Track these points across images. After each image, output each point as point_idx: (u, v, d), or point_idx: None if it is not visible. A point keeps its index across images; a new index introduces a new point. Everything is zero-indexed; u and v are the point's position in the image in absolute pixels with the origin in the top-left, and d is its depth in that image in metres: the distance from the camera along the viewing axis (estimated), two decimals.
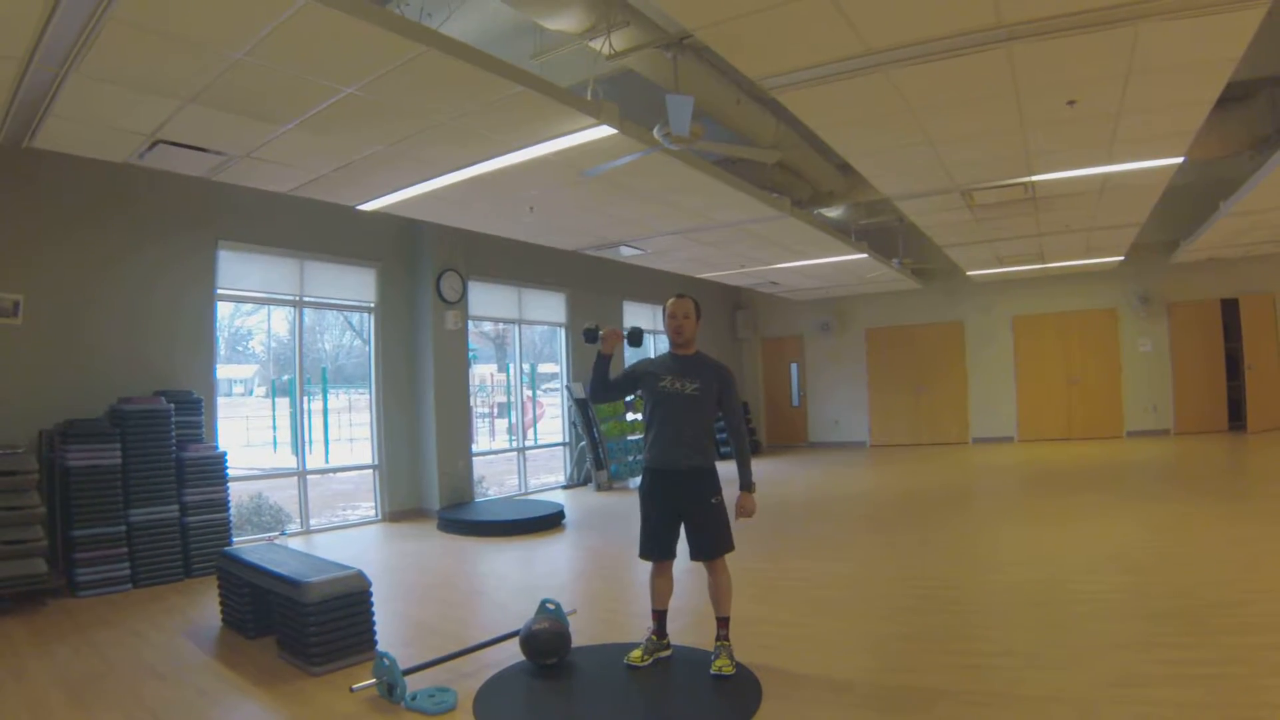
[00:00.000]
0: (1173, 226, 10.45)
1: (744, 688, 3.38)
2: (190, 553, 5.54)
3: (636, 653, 3.68)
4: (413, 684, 3.38)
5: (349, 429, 13.00)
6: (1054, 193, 7.26)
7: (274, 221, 7.01)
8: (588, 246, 9.22)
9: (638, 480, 10.49)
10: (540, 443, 11.40)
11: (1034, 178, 6.76)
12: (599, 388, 3.68)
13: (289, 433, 11.16)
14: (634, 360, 4.01)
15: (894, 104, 4.93)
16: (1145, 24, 4.05)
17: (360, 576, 4.01)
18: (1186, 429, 11.88)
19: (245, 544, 6.09)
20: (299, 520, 7.26)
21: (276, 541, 5.96)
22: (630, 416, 11.14)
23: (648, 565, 3.74)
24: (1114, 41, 4.23)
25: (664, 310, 3.78)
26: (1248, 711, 2.84)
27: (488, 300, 9.57)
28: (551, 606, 4.13)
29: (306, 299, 7.39)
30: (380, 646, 3.83)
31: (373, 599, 4.03)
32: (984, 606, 4.53)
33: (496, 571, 6.09)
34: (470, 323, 9.15)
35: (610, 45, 4.96)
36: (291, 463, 10.28)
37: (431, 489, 8.29)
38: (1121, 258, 11.02)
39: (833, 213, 9.82)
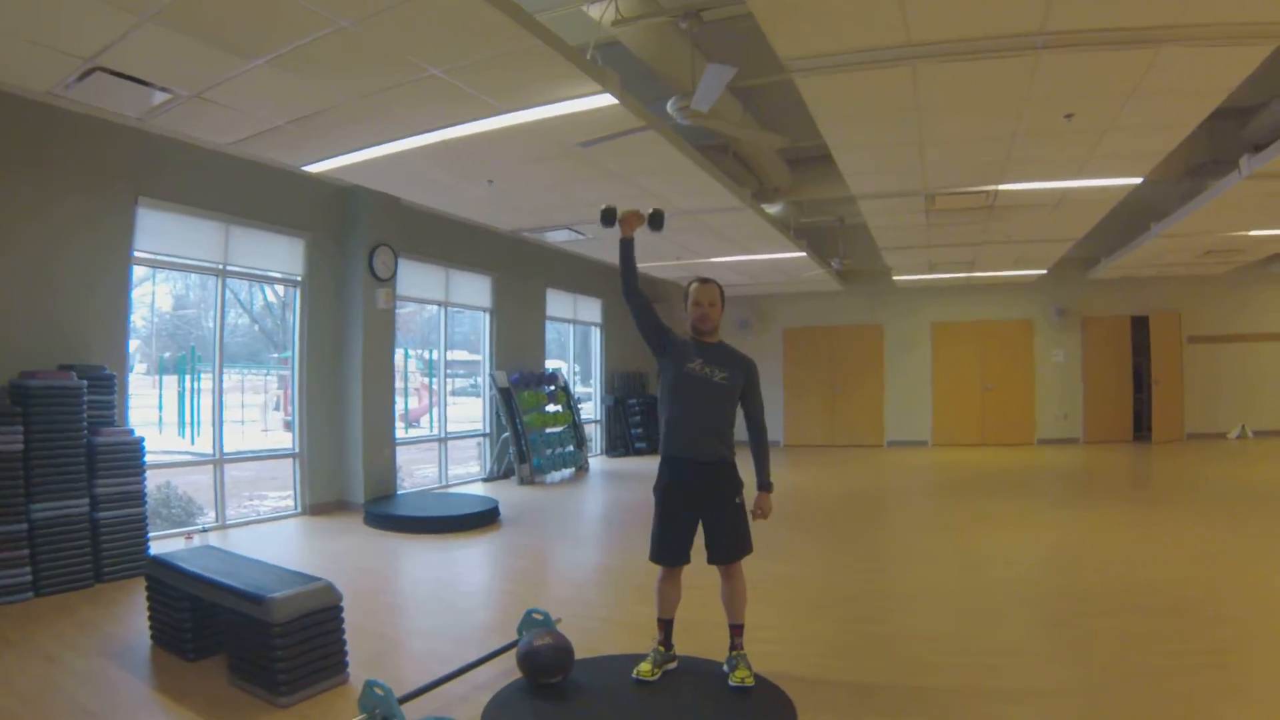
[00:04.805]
0: (1091, 244, 10.92)
1: (772, 699, 3.16)
2: (101, 554, 4.75)
3: (646, 665, 3.36)
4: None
5: (240, 410, 12.07)
6: (1013, 203, 7.37)
7: (200, 180, 6.20)
8: (531, 227, 8.77)
9: (560, 474, 10.30)
10: (459, 432, 10.79)
11: (1001, 186, 6.81)
12: (631, 280, 3.41)
13: (175, 414, 10.15)
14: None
15: (906, 100, 4.82)
16: (1168, 47, 4.12)
17: (330, 589, 3.48)
18: (1094, 438, 12.51)
19: (160, 540, 5.38)
20: (214, 513, 6.47)
21: (196, 540, 5.26)
22: (551, 408, 10.73)
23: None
24: (1133, 60, 4.28)
25: (685, 295, 3.48)
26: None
27: (415, 279, 8.92)
28: (539, 616, 3.81)
29: (231, 268, 6.58)
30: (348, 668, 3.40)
31: (343, 615, 3.52)
32: (933, 608, 4.54)
33: (444, 574, 5.62)
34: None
35: (617, 9, 4.59)
36: (183, 445, 9.33)
37: (356, 480, 7.65)
38: (1044, 271, 11.48)
39: (772, 209, 9.72)
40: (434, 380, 11.27)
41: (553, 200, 7.16)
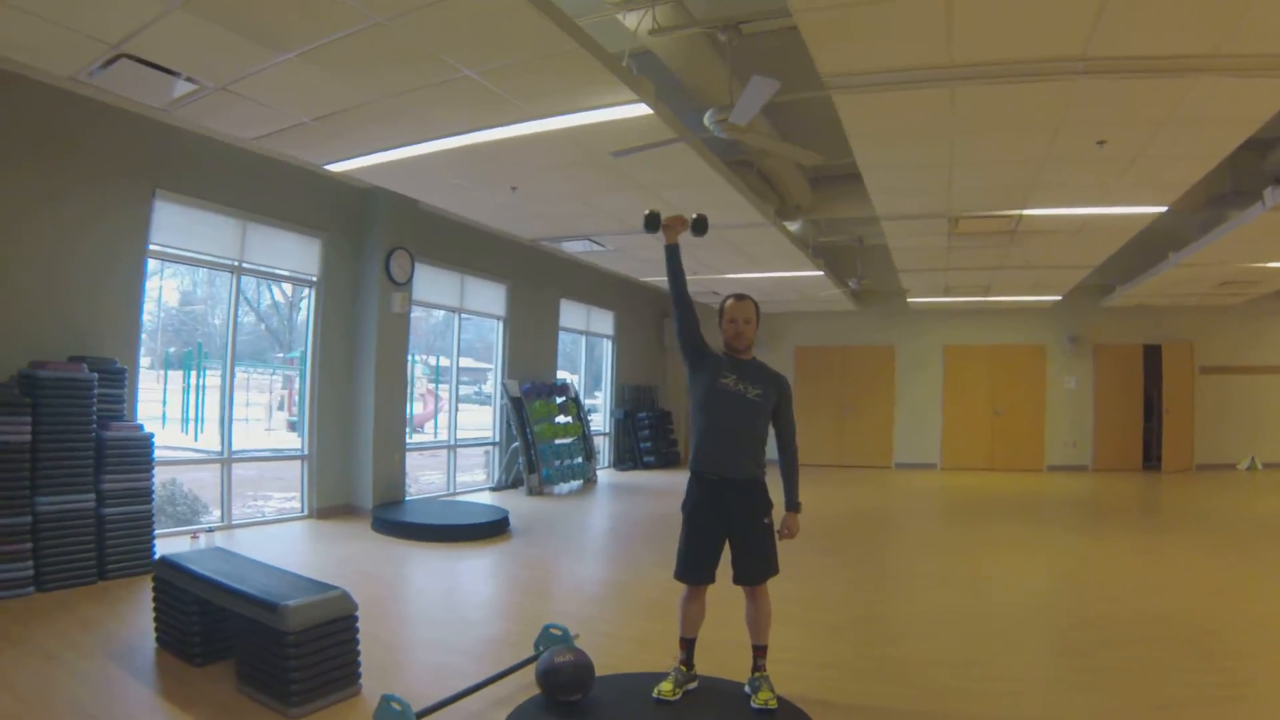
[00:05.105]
0: (1105, 271, 10.86)
1: None
2: (105, 551, 4.66)
3: (667, 685, 3.27)
4: None
5: (244, 409, 12.02)
6: (1036, 228, 7.32)
7: (218, 174, 6.15)
8: (550, 236, 8.70)
9: (568, 486, 10.19)
10: (467, 440, 10.70)
11: (1025, 211, 6.76)
12: (678, 281, 3.35)
13: (179, 410, 10.06)
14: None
15: (942, 121, 4.78)
16: (1206, 76, 4.08)
17: (346, 598, 3.39)
18: (1104, 466, 12.44)
19: (165, 538, 5.29)
20: (219, 512, 6.38)
21: (202, 539, 5.16)
22: (561, 419, 10.66)
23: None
24: (1170, 88, 4.24)
25: (720, 312, 3.41)
26: None
27: (430, 284, 8.84)
28: (557, 632, 3.76)
29: (246, 265, 6.51)
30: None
31: (358, 625, 3.42)
32: (949, 632, 4.48)
33: (455, 584, 5.54)
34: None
35: (654, 19, 4.53)
36: (186, 442, 9.21)
37: (365, 484, 7.54)
38: (1059, 297, 11.42)
39: (792, 227, 9.67)
40: (439, 386, 11.21)
41: (575, 209, 7.09)
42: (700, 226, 3.41)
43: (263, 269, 6.85)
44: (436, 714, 3.00)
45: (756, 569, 3.29)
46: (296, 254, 7.07)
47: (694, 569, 3.29)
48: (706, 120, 4.34)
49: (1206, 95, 4.26)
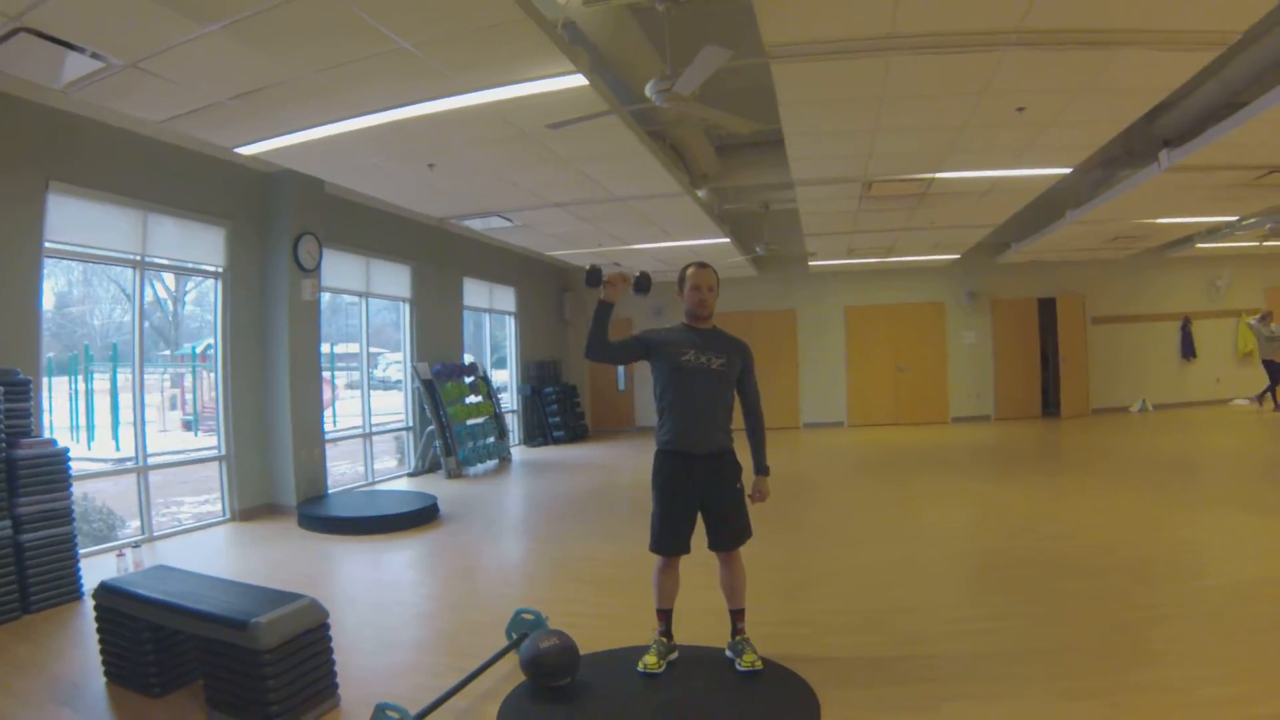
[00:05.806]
0: (1001, 230, 11.40)
1: (787, 680, 3.20)
2: (27, 581, 4.24)
3: (651, 658, 3.34)
4: None
5: (129, 412, 11.25)
6: (946, 190, 7.57)
7: (117, 162, 5.65)
8: (461, 214, 8.42)
9: (484, 466, 10.01)
10: (381, 427, 10.33)
11: (938, 175, 6.98)
12: (598, 342, 3.19)
13: (68, 418, 9.34)
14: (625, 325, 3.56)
15: (873, 90, 4.87)
16: (1127, 49, 4.27)
17: (315, 606, 3.22)
18: (1005, 415, 13.16)
19: (89, 558, 4.94)
20: (138, 523, 5.95)
21: (129, 555, 4.80)
22: (472, 399, 10.46)
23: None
24: (1092, 59, 4.42)
25: (681, 280, 3.41)
26: None
27: (335, 269, 8.43)
28: (530, 617, 3.72)
29: (148, 259, 6.02)
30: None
31: (330, 633, 3.26)
32: (906, 582, 4.68)
33: (400, 578, 5.38)
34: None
35: None
36: (80, 451, 8.55)
37: (286, 481, 7.19)
38: (958, 256, 11.92)
39: (699, 195, 9.69)
40: (334, 375, 10.80)
41: (492, 185, 6.89)
42: (643, 285, 3.28)
43: (166, 262, 6.35)
44: (430, 716, 2.89)
45: (732, 534, 3.36)
46: (200, 245, 6.59)
47: (670, 541, 3.33)
48: (648, 90, 4.27)
49: (1123, 66, 4.47)
